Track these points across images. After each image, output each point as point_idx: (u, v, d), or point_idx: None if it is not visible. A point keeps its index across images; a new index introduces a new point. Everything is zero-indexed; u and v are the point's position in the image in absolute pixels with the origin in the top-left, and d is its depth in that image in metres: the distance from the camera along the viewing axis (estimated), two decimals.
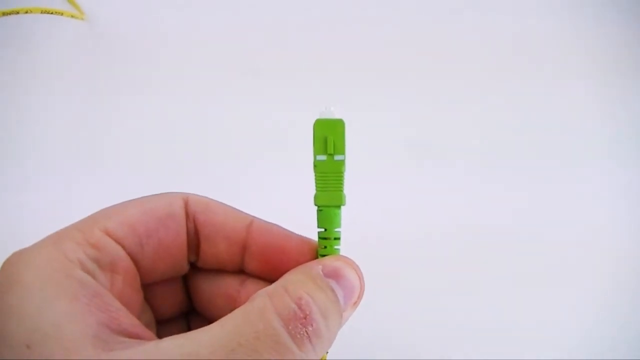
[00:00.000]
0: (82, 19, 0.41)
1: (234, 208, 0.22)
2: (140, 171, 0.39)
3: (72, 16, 0.41)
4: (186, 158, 0.40)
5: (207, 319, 0.23)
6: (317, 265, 0.19)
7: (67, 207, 0.33)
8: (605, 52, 0.42)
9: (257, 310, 0.17)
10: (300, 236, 0.21)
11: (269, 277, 0.21)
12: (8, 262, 0.17)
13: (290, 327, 0.16)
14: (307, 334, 0.17)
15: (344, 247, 0.21)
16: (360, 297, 0.20)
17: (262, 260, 0.21)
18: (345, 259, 0.20)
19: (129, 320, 0.17)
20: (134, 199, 0.21)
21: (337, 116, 0.20)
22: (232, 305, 0.22)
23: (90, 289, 0.17)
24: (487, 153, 0.40)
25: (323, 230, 0.20)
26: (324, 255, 0.20)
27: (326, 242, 0.20)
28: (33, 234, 0.19)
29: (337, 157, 0.20)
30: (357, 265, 0.20)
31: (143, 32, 0.42)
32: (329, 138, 0.20)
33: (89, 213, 0.20)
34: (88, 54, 0.42)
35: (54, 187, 0.39)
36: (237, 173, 0.39)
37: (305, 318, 0.17)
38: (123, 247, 0.19)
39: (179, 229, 0.21)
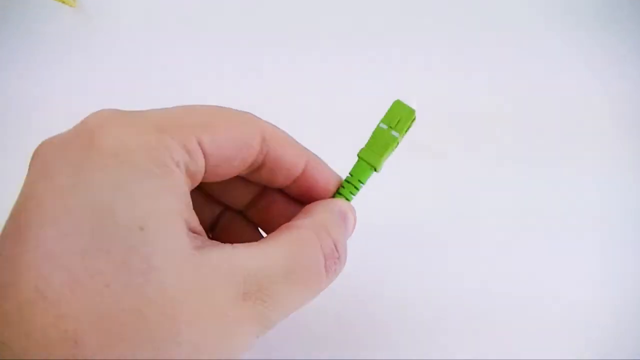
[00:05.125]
0: (72, 5, 0.40)
1: (298, 143, 0.23)
2: None
3: (62, 2, 0.39)
4: None
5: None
6: (342, 209, 0.22)
7: None
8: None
9: (308, 243, 0.20)
10: (335, 173, 0.23)
11: (290, 192, 0.23)
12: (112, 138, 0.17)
13: (327, 263, 0.20)
14: (335, 270, 0.20)
15: None
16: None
17: (300, 188, 0.23)
18: (351, 207, 0.23)
19: (201, 228, 0.18)
20: (217, 110, 0.20)
21: (414, 107, 0.23)
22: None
23: (184, 188, 0.18)
24: None
25: (351, 176, 0.23)
26: (339, 194, 0.23)
27: (349, 187, 0.23)
28: None
29: (393, 133, 0.23)
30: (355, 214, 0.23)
31: (137, 20, 0.41)
32: (400, 117, 0.23)
33: None
34: (78, 42, 0.40)
35: None
36: None
37: (338, 258, 0.20)
38: (206, 164, 0.19)
39: (250, 160, 0.21)
